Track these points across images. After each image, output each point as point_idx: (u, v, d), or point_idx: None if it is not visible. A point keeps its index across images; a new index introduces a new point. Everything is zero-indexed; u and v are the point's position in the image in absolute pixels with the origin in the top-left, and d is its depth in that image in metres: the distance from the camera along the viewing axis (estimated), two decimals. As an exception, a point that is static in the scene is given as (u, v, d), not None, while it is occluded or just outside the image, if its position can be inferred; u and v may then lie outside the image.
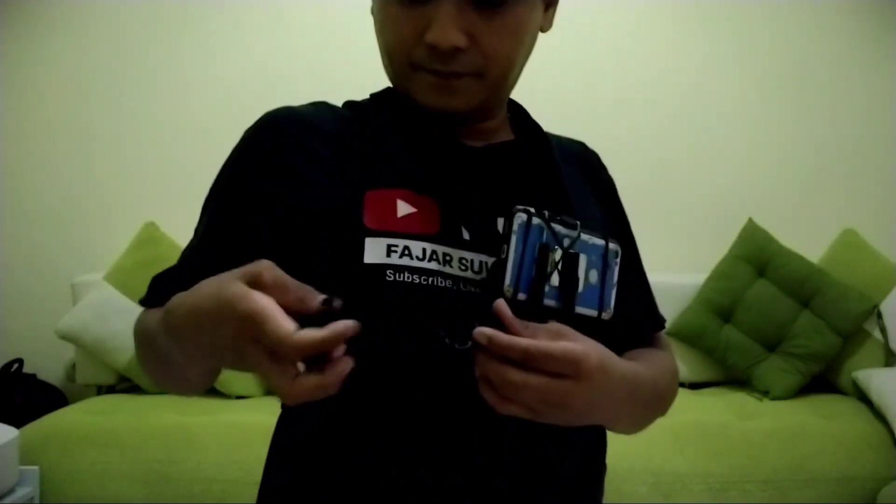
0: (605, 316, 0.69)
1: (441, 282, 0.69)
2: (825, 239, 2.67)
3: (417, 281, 0.69)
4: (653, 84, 2.81)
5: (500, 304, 0.61)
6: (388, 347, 0.67)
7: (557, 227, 0.67)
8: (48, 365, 2.72)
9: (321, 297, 0.56)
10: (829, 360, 2.43)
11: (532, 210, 0.66)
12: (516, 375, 0.59)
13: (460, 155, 0.78)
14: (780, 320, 2.48)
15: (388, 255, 0.69)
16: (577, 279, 0.66)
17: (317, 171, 0.76)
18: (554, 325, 0.63)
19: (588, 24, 2.75)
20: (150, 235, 2.57)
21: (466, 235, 0.72)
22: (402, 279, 0.69)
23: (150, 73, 2.81)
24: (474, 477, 0.70)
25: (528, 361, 0.59)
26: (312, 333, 0.53)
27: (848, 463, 1.97)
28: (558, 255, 0.65)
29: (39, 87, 2.83)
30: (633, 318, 0.83)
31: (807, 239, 2.63)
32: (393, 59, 0.75)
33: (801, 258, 2.53)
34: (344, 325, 0.54)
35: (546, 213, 0.67)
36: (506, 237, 0.65)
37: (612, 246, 0.70)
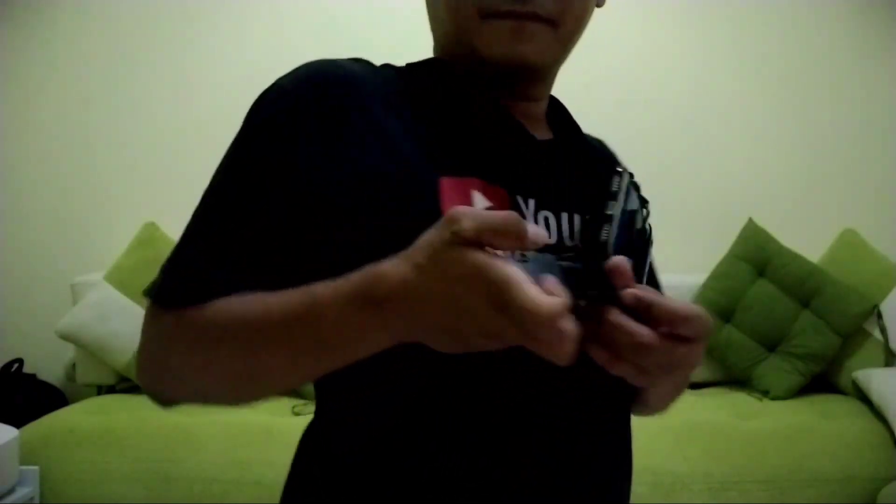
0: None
1: None
2: (825, 239, 2.67)
3: None
4: (653, 84, 2.81)
5: (622, 261, 0.56)
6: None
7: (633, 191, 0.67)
8: (48, 365, 2.72)
9: (536, 230, 0.52)
10: (829, 360, 2.43)
11: (631, 172, 0.64)
12: (651, 337, 0.55)
13: (528, 146, 0.74)
14: (780, 320, 2.48)
15: None
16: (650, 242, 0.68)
17: (381, 144, 0.67)
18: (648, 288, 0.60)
19: (590, 27, 2.75)
20: (150, 235, 2.57)
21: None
22: None
23: (150, 74, 2.81)
24: (511, 470, 0.66)
25: (670, 324, 0.56)
26: (554, 298, 0.49)
27: (848, 463, 1.97)
28: (639, 220, 0.65)
29: (39, 88, 2.83)
30: None
31: (807, 239, 2.63)
32: (461, 6, 0.69)
33: (801, 258, 2.53)
34: (537, 233, 0.51)
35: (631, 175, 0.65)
36: (613, 195, 0.61)
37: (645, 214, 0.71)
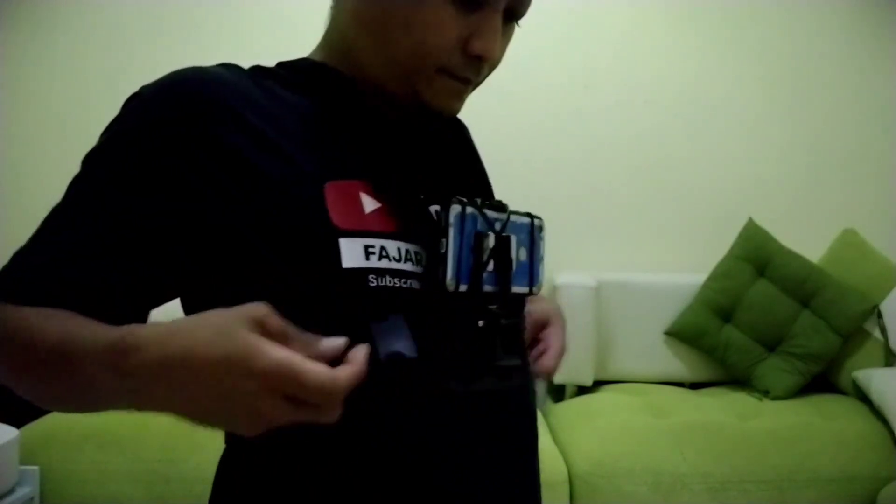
0: (536, 290, 0.71)
1: (416, 284, 0.65)
2: (825, 239, 2.67)
3: (399, 285, 0.64)
4: (652, 84, 2.81)
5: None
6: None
7: (490, 213, 0.67)
8: (48, 365, 2.72)
9: (329, 341, 0.53)
10: (829, 359, 2.43)
11: (465, 199, 0.65)
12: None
13: (406, 140, 0.75)
14: (780, 320, 2.48)
15: (367, 258, 0.63)
16: (510, 261, 0.67)
17: (259, 151, 0.64)
18: (540, 313, 0.78)
19: (588, 25, 2.75)
20: (150, 235, 2.56)
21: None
22: (384, 283, 0.63)
23: (150, 74, 2.80)
24: (430, 480, 0.67)
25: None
26: (350, 369, 0.51)
27: (848, 463, 1.97)
28: (492, 240, 0.66)
29: (40, 87, 2.83)
30: None
31: (807, 239, 2.63)
32: (423, 59, 0.68)
33: (801, 258, 2.53)
34: (362, 351, 0.54)
35: (478, 200, 0.67)
36: (444, 230, 0.63)
37: (536, 221, 0.71)
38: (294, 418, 0.51)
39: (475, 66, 0.70)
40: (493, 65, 0.72)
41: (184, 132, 0.64)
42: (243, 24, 2.80)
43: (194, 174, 0.63)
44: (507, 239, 0.67)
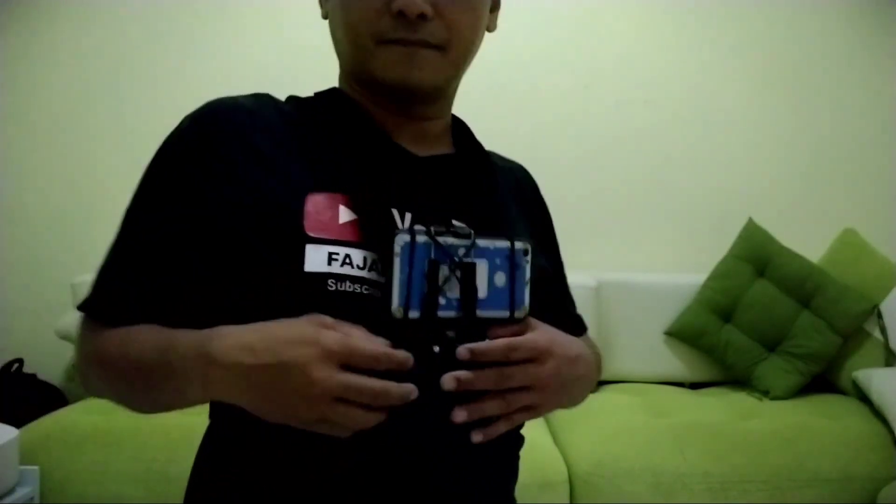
0: (519, 314, 0.70)
1: (379, 293, 0.69)
2: (825, 239, 2.67)
3: (359, 291, 0.68)
4: (653, 84, 2.81)
5: (463, 351, 0.65)
6: None
7: (448, 240, 0.67)
8: (48, 365, 2.71)
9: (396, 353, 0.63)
10: (829, 359, 2.43)
11: (419, 228, 0.67)
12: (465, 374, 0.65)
13: (403, 162, 0.79)
14: (780, 320, 2.48)
15: (329, 264, 0.69)
16: (474, 287, 0.68)
17: (255, 167, 0.74)
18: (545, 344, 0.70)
19: (588, 24, 2.75)
20: (150, 235, 2.56)
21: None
22: (343, 289, 0.68)
23: (151, 73, 2.81)
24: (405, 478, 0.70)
25: (505, 356, 0.66)
26: (405, 353, 0.63)
27: (848, 463, 1.97)
28: (445, 269, 0.67)
29: (40, 87, 2.82)
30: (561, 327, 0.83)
31: (807, 239, 2.63)
32: (358, 34, 0.75)
33: (801, 258, 2.53)
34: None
35: (433, 228, 0.67)
36: (389, 260, 0.65)
37: (518, 245, 0.70)
38: (345, 393, 0.60)
39: (407, 25, 0.73)
40: (454, 28, 0.75)
41: (200, 146, 0.74)
42: (244, 23, 2.80)
43: (207, 184, 0.73)
44: (471, 266, 0.68)
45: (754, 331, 2.49)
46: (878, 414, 2.14)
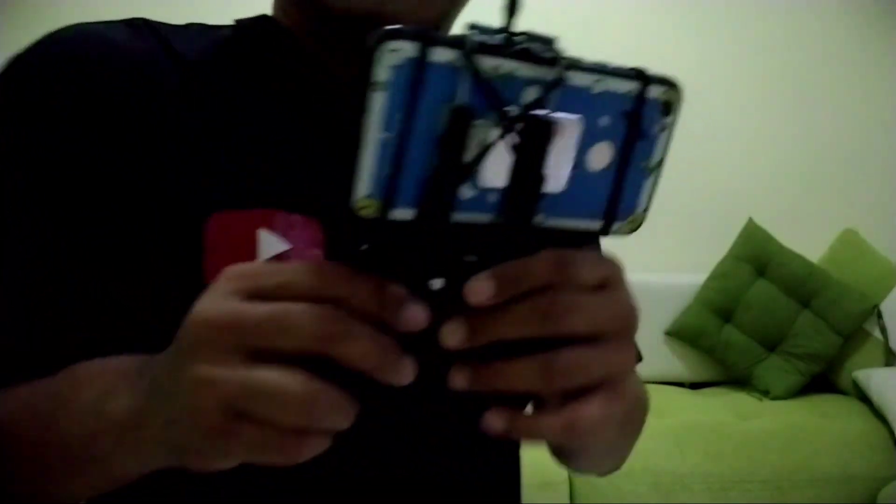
0: (619, 228, 0.38)
1: None
2: (825, 239, 2.67)
3: None
4: (653, 84, 2.81)
5: (479, 282, 0.34)
6: None
7: (500, 65, 0.32)
8: (48, 365, 2.71)
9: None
10: (829, 359, 2.43)
11: (427, 30, 0.30)
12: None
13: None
14: (780, 320, 2.48)
15: None
16: (539, 168, 0.33)
17: (128, 166, 0.47)
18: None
19: (587, 24, 2.75)
20: (149, 235, 2.56)
21: None
22: None
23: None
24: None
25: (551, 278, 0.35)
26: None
27: (848, 463, 1.97)
28: (493, 130, 0.32)
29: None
30: None
31: (807, 239, 2.63)
32: None
33: (801, 258, 2.53)
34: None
35: (476, 29, 0.32)
36: (363, 95, 0.30)
37: (653, 91, 0.39)
38: (247, 403, 0.32)
39: None
40: None
41: (64, 119, 0.49)
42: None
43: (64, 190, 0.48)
44: (546, 126, 0.33)
45: (754, 331, 2.49)
46: (878, 414, 2.14)
